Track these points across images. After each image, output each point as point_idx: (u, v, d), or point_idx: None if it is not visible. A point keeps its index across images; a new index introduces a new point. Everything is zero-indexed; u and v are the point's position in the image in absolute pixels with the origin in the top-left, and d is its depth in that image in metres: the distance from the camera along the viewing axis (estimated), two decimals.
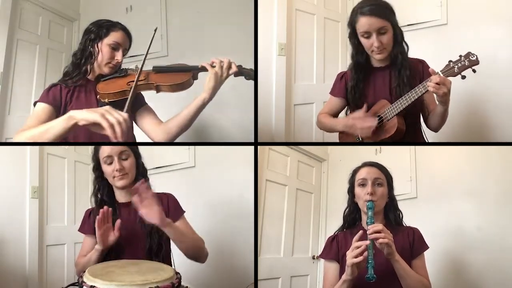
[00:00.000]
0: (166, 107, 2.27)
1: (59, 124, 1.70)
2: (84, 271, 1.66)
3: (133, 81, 2.02)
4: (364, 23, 2.01)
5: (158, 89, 2.06)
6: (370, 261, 1.64)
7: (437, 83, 1.84)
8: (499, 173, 2.52)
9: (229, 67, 2.03)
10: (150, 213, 1.81)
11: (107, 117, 1.62)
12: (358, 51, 2.12)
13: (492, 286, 2.43)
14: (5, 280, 2.55)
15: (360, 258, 1.62)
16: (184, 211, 2.09)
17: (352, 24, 2.07)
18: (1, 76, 2.90)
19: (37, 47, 3.21)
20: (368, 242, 1.65)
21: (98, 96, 2.08)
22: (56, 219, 2.92)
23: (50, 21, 3.33)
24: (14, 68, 3.00)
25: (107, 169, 1.99)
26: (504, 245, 2.41)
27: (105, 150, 1.98)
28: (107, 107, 1.68)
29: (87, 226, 2.04)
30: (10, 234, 2.60)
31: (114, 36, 2.11)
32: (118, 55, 2.11)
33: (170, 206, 2.05)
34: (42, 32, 3.25)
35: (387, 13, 2.02)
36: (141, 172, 2.04)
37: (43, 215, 2.82)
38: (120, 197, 2.05)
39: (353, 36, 2.10)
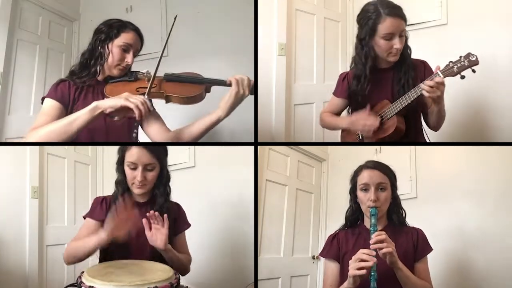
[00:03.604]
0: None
1: (85, 115, 1.83)
2: (83, 272, 1.67)
3: (143, 87, 2.00)
4: (391, 24, 1.98)
5: (168, 99, 2.02)
6: (373, 273, 1.60)
7: (430, 86, 1.85)
8: (499, 173, 2.52)
9: (249, 85, 1.98)
10: (156, 237, 1.86)
11: (131, 100, 1.82)
12: (372, 53, 2.08)
13: (492, 286, 2.43)
14: (5, 280, 2.56)
15: (363, 271, 1.58)
16: (190, 225, 2.11)
17: (374, 24, 2.01)
18: (1, 76, 2.90)
19: (37, 47, 3.21)
20: (375, 259, 1.60)
21: (105, 99, 2.04)
22: (56, 219, 2.92)
23: (50, 21, 3.33)
24: (14, 68, 3.01)
25: (129, 173, 1.97)
26: (504, 245, 2.41)
27: (131, 155, 1.94)
28: (126, 93, 1.87)
29: (98, 212, 2.00)
30: (10, 234, 2.60)
31: (124, 37, 2.07)
32: (129, 57, 2.08)
33: (180, 217, 2.08)
34: (42, 32, 3.25)
35: (405, 15, 2.02)
36: (163, 182, 2.02)
37: (43, 215, 2.82)
38: (135, 196, 2.03)
39: (370, 36, 2.05)
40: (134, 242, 1.94)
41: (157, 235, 1.85)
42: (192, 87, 2.03)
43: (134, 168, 1.94)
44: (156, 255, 1.93)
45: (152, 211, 1.87)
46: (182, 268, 1.97)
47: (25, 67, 3.09)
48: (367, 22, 2.04)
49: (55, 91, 2.03)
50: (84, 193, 3.13)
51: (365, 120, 2.08)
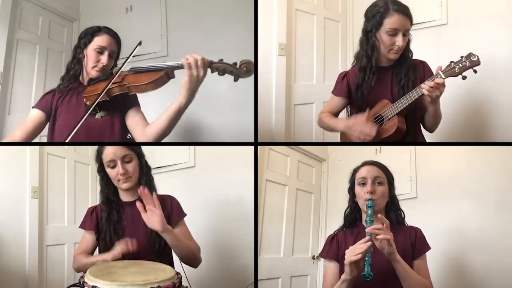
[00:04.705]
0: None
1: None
2: (85, 272, 1.67)
3: (112, 83, 2.07)
4: (397, 19, 2.01)
5: (129, 89, 2.07)
6: (367, 259, 1.63)
7: (431, 87, 1.86)
8: (499, 173, 2.53)
9: (203, 64, 1.93)
10: (152, 219, 1.86)
11: None
12: (374, 48, 2.10)
13: (492, 286, 2.43)
14: (5, 280, 2.56)
15: (358, 256, 1.61)
16: (185, 215, 2.11)
17: (381, 18, 2.04)
18: (1, 76, 2.90)
19: (37, 47, 3.21)
20: (370, 243, 1.63)
21: (84, 99, 2.14)
22: (56, 219, 2.92)
23: (50, 21, 3.33)
24: (14, 68, 3.01)
25: (111, 172, 2.03)
26: (504, 245, 2.42)
27: (108, 155, 2.01)
28: None
29: (88, 223, 2.07)
30: (10, 234, 2.60)
31: (98, 41, 2.18)
32: (103, 58, 2.18)
33: (173, 209, 2.09)
34: (42, 32, 3.25)
35: (411, 16, 2.05)
36: (145, 172, 2.07)
37: (43, 215, 2.82)
38: (124, 196, 2.08)
39: (377, 29, 2.07)
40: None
41: (152, 217, 1.86)
42: (151, 74, 2.06)
43: (114, 166, 2.01)
44: (154, 255, 1.96)
45: (141, 187, 1.90)
46: (190, 255, 1.99)
47: (25, 67, 3.09)
48: (375, 15, 2.06)
49: (40, 101, 2.23)
50: (84, 193, 3.13)
51: (362, 128, 2.10)
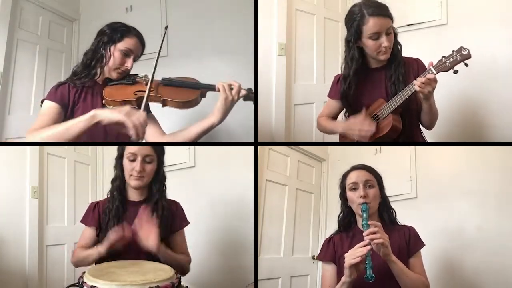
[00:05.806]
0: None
1: (81, 123, 1.83)
2: (84, 272, 1.68)
3: (141, 90, 2.04)
4: (375, 23, 1.98)
5: (164, 103, 2.07)
6: (368, 262, 1.65)
7: (422, 83, 1.86)
8: (499, 173, 2.52)
9: (239, 91, 2.03)
10: (148, 238, 1.87)
11: (132, 119, 1.81)
12: (360, 54, 2.09)
13: (492, 286, 2.43)
14: (5, 280, 2.56)
15: (358, 259, 1.63)
16: (188, 223, 2.11)
17: (358, 26, 2.02)
18: (1, 76, 2.90)
19: (37, 47, 3.21)
20: (369, 247, 1.66)
21: (103, 101, 2.07)
22: (56, 219, 2.93)
23: (50, 21, 3.33)
24: (14, 68, 3.01)
25: (127, 165, 1.99)
26: (503, 245, 2.41)
27: (132, 146, 1.99)
28: (127, 108, 1.85)
29: (90, 218, 2.04)
30: (10, 234, 2.60)
31: (127, 42, 2.10)
32: (129, 62, 2.11)
33: (178, 215, 2.09)
34: (42, 32, 3.25)
35: (390, 13, 2.02)
36: (159, 179, 2.05)
37: (43, 215, 2.82)
38: (131, 194, 2.06)
39: (357, 38, 2.05)
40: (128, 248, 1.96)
41: (150, 236, 1.87)
42: (188, 92, 2.08)
43: (134, 160, 1.98)
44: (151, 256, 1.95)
45: (142, 208, 1.92)
46: (180, 269, 1.96)
47: (25, 67, 3.09)
48: (352, 24, 2.05)
49: (55, 94, 2.05)
50: (84, 193, 3.13)
51: (361, 125, 2.08)
